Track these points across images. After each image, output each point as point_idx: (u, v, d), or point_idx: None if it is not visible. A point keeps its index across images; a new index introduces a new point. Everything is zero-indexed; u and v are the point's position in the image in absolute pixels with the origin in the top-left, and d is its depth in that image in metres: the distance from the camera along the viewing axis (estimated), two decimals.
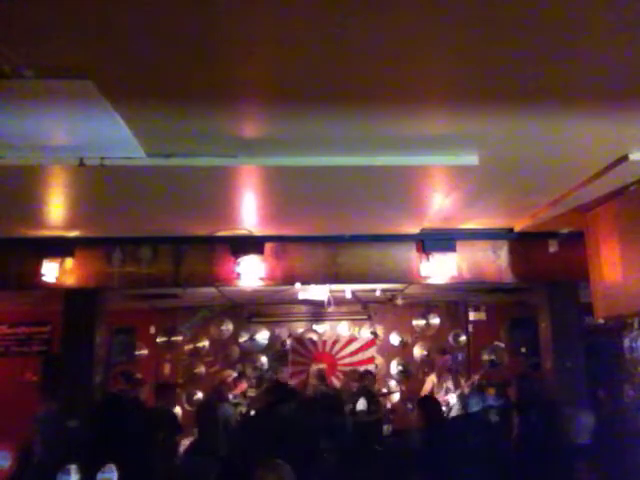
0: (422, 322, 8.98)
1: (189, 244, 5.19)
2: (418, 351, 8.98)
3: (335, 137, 2.91)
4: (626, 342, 6.07)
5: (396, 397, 8.59)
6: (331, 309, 8.22)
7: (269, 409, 4.57)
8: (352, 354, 8.55)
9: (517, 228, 5.00)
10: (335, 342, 8.67)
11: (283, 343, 8.92)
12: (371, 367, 8.17)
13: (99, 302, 5.72)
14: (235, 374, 7.44)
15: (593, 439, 3.60)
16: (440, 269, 5.11)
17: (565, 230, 5.01)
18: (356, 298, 7.97)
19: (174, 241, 5.17)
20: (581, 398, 5.17)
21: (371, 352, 8.60)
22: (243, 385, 7.27)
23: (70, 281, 5.20)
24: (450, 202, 4.07)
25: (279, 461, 3.03)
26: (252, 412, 6.46)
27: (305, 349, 8.60)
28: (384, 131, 2.85)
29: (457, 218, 4.64)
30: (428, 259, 5.14)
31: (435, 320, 8.96)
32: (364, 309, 8.97)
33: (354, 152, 3.12)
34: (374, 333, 8.90)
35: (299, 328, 9.13)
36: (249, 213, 4.42)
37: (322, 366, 7.93)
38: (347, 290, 6.98)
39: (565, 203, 4.07)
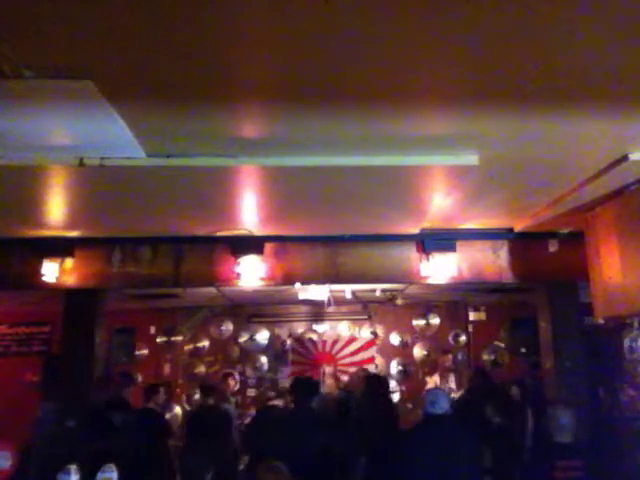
0: (422, 322, 8.97)
1: (189, 244, 5.19)
2: (418, 351, 8.97)
3: (335, 137, 2.90)
4: (626, 342, 6.09)
5: (396, 397, 8.59)
6: (331, 309, 8.22)
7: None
8: (352, 354, 8.55)
9: (517, 228, 4.99)
10: (335, 342, 8.66)
11: (283, 343, 8.92)
12: (371, 367, 8.18)
13: (99, 302, 5.72)
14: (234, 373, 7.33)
15: (574, 438, 3.56)
16: (440, 269, 5.11)
17: (565, 230, 5.01)
18: (356, 298, 7.96)
19: (174, 241, 5.16)
20: (581, 398, 5.17)
21: (371, 352, 8.59)
22: (230, 382, 7.02)
23: (70, 281, 5.20)
24: (450, 202, 4.07)
25: (277, 463, 3.04)
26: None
27: (305, 349, 8.60)
28: (384, 131, 2.84)
29: (457, 218, 4.64)
30: (428, 259, 5.14)
31: (435, 320, 8.95)
32: (364, 309, 8.98)
33: (354, 152, 3.12)
34: (374, 333, 8.90)
35: (299, 328, 9.12)
36: (249, 213, 4.42)
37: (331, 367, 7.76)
38: (347, 290, 6.97)
39: (565, 203, 4.07)
